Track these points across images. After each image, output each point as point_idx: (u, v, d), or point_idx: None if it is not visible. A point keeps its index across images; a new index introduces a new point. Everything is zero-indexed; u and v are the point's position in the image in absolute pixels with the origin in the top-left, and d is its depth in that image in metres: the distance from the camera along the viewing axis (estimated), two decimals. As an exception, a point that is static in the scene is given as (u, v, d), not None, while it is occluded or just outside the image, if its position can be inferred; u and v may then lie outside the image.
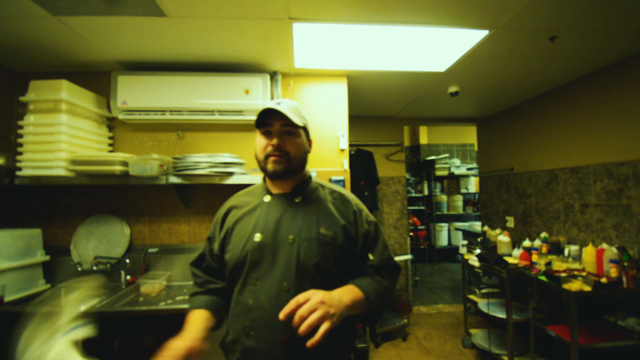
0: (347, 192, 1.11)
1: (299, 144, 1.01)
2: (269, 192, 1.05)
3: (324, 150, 2.45)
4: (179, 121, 2.21)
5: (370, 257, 1.02)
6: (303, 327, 0.74)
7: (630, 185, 2.20)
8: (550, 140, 2.93)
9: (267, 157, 0.98)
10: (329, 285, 0.89)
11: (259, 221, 0.98)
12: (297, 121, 0.97)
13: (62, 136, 1.83)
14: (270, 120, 0.98)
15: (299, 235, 0.95)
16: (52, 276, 2.08)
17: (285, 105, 0.98)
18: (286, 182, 1.03)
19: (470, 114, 3.90)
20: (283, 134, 0.98)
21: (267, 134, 0.99)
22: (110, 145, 2.25)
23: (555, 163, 2.87)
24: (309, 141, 1.09)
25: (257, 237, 0.95)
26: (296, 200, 1.02)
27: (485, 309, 2.67)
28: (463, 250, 3.12)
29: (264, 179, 1.09)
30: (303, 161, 1.03)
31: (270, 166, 0.98)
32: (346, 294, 0.88)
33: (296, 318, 0.75)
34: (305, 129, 1.04)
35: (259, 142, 1.01)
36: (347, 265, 0.99)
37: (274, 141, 0.97)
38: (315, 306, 0.77)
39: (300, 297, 0.78)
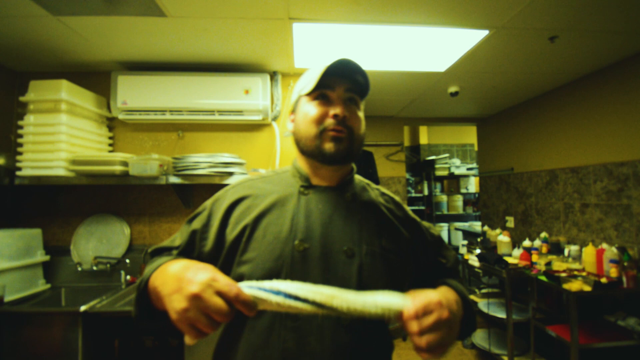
0: (395, 196, 0.90)
1: (361, 120, 0.77)
2: (306, 182, 0.77)
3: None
4: (179, 121, 2.21)
5: (443, 260, 0.84)
6: None
7: (630, 185, 2.20)
8: (550, 140, 2.93)
9: (323, 131, 0.71)
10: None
11: (298, 221, 0.70)
12: (368, 87, 0.75)
13: (62, 136, 1.83)
14: (329, 82, 0.73)
15: (358, 247, 0.70)
16: (52, 276, 2.08)
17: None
18: (335, 172, 0.77)
19: (470, 114, 3.90)
20: (345, 102, 0.74)
21: (323, 100, 0.73)
22: (110, 145, 2.25)
23: (555, 163, 2.87)
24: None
25: (299, 245, 0.67)
26: (347, 198, 0.76)
27: (485, 309, 2.67)
28: (463, 250, 3.12)
29: (294, 165, 0.82)
30: (363, 143, 0.78)
31: (328, 145, 0.71)
32: (451, 295, 0.67)
33: (423, 343, 0.53)
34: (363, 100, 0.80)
35: (310, 111, 0.73)
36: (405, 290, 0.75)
37: (339, 109, 0.70)
38: (435, 309, 0.55)
39: (420, 305, 0.55)
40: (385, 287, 0.66)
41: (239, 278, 0.67)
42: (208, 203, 0.79)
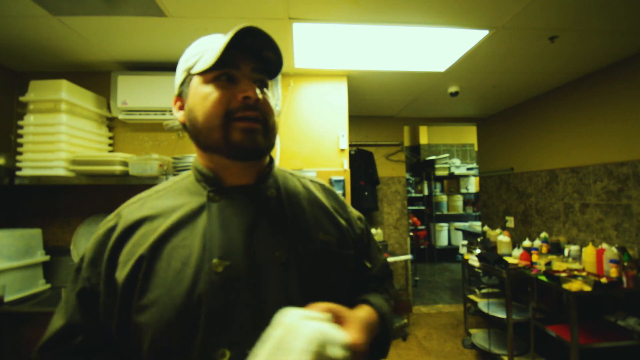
0: (324, 182, 0.77)
1: (272, 104, 0.62)
2: (215, 185, 0.61)
3: (324, 150, 2.45)
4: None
5: (367, 264, 0.72)
6: None
7: (630, 185, 2.20)
8: (550, 140, 2.93)
9: (231, 119, 0.55)
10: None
11: (211, 236, 0.55)
12: (281, 64, 0.61)
13: (62, 136, 1.83)
14: (233, 59, 0.57)
15: (292, 250, 0.58)
16: (52, 276, 2.08)
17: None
18: (250, 167, 0.62)
19: (470, 114, 3.90)
20: (254, 84, 0.58)
21: (227, 82, 0.57)
22: (110, 145, 2.25)
23: (555, 163, 2.87)
24: None
25: (218, 264, 0.52)
26: (270, 195, 0.62)
27: (485, 309, 2.67)
28: (463, 250, 3.12)
29: (194, 166, 0.65)
30: (275, 136, 0.63)
31: (238, 137, 0.55)
32: (367, 319, 0.58)
33: None
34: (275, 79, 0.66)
35: (212, 94, 0.56)
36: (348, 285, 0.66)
37: (251, 91, 0.55)
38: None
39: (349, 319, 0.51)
40: (333, 289, 0.60)
41: (140, 329, 0.51)
42: (88, 247, 0.59)
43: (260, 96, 0.57)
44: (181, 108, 0.63)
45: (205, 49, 0.58)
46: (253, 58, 0.59)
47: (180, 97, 0.63)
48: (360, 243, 0.72)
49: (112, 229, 0.58)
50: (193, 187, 0.62)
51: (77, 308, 0.56)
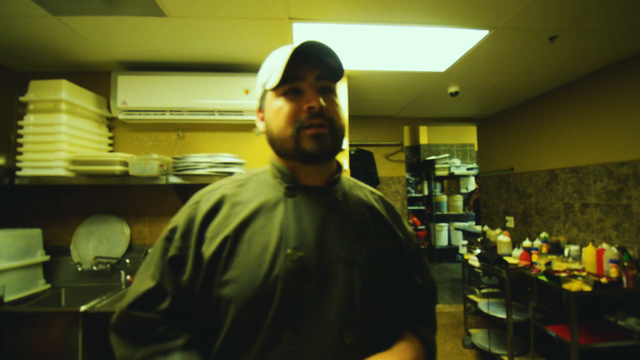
0: (382, 194, 0.82)
1: (341, 107, 0.67)
2: (292, 182, 0.67)
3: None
4: (179, 121, 2.21)
5: (418, 280, 0.74)
6: None
7: (630, 185, 2.20)
8: (550, 140, 2.93)
9: (300, 129, 0.61)
10: (389, 331, 0.65)
11: (288, 227, 0.60)
12: (342, 70, 0.65)
13: (62, 136, 1.83)
14: (297, 72, 0.62)
15: (357, 252, 0.62)
16: (52, 276, 2.08)
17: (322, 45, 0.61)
18: (321, 169, 0.67)
19: (470, 114, 3.90)
20: (319, 92, 0.63)
21: (294, 94, 0.63)
22: (110, 145, 2.25)
23: (555, 163, 2.87)
24: None
25: (292, 254, 0.58)
26: (337, 198, 0.67)
27: (485, 309, 2.67)
28: (463, 250, 3.12)
29: (273, 164, 0.72)
30: (344, 133, 0.67)
31: (309, 144, 0.61)
32: (410, 355, 0.61)
33: None
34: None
35: (281, 109, 0.63)
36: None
37: (314, 101, 0.61)
38: None
39: None
40: (389, 292, 0.64)
41: (220, 302, 0.57)
42: (180, 219, 0.65)
43: (323, 103, 0.62)
44: (262, 119, 0.70)
45: (275, 65, 0.64)
46: (317, 66, 0.63)
47: (261, 109, 0.71)
48: (413, 258, 0.75)
49: (199, 208, 0.65)
50: (270, 182, 0.69)
51: (167, 273, 0.60)
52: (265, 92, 0.68)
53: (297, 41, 0.61)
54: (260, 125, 0.71)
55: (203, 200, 0.66)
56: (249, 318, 0.56)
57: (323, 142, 0.61)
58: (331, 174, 0.70)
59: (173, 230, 0.64)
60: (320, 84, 0.64)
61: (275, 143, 0.66)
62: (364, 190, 0.77)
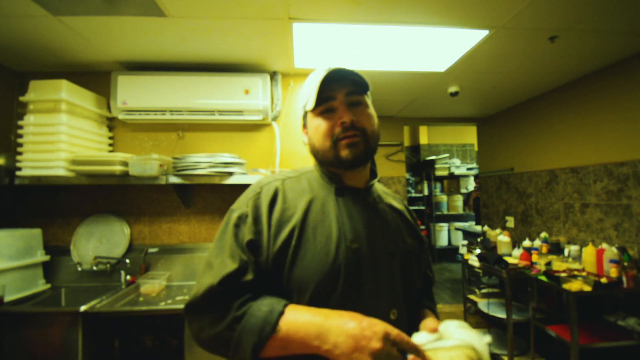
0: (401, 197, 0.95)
1: (372, 116, 0.77)
2: (340, 183, 0.77)
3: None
4: (179, 121, 2.21)
5: (430, 273, 0.88)
6: None
7: (630, 185, 2.20)
8: (550, 140, 2.93)
9: (337, 141, 0.72)
10: (415, 309, 0.79)
11: (344, 222, 0.71)
12: (367, 84, 0.75)
13: (62, 136, 1.83)
14: (329, 92, 0.73)
15: (396, 246, 0.74)
16: (52, 276, 2.08)
17: (345, 68, 0.74)
18: (361, 173, 0.78)
19: (470, 114, 3.90)
20: (350, 106, 0.74)
21: (328, 112, 0.74)
22: (110, 145, 2.25)
23: (555, 163, 2.87)
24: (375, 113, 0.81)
25: (351, 245, 0.68)
26: (375, 200, 0.80)
27: (485, 309, 2.67)
28: (463, 250, 3.12)
29: (319, 167, 0.82)
30: (378, 139, 0.78)
31: (344, 152, 0.72)
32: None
33: None
34: (368, 96, 0.80)
35: (320, 126, 0.74)
36: None
37: (345, 117, 0.71)
38: None
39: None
40: (418, 280, 0.78)
41: (292, 282, 0.66)
42: (247, 207, 0.72)
43: (353, 117, 0.72)
44: (306, 134, 0.82)
45: (310, 90, 0.75)
46: (345, 84, 0.74)
47: (305, 126, 0.82)
48: (426, 254, 0.87)
49: (261, 197, 0.73)
50: (320, 180, 0.79)
51: (246, 254, 0.67)
52: (305, 112, 0.79)
53: (322, 65, 0.75)
54: (305, 139, 0.83)
55: (263, 191, 0.74)
56: (319, 297, 0.65)
57: (357, 149, 0.72)
58: (369, 179, 0.82)
59: (242, 217, 0.71)
60: (350, 99, 0.74)
61: (317, 154, 0.77)
62: (390, 194, 0.89)
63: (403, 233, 0.79)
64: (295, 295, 0.66)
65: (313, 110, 0.75)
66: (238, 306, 0.62)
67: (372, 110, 0.78)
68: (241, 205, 0.73)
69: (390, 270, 0.71)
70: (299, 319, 0.59)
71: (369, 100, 0.79)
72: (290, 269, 0.66)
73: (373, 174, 0.84)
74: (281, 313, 0.60)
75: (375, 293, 0.68)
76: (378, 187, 0.86)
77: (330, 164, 0.76)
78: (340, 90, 0.74)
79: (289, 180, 0.78)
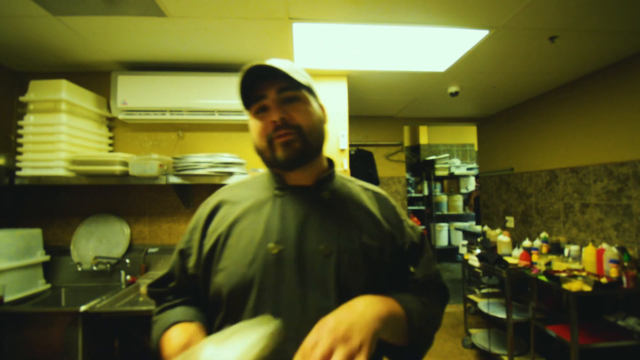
0: (381, 190, 0.84)
1: (309, 111, 0.71)
2: (281, 183, 0.74)
3: (324, 150, 2.45)
4: (179, 121, 2.21)
5: (412, 269, 0.75)
6: None
7: (630, 185, 2.20)
8: (550, 140, 2.93)
9: (270, 141, 0.68)
10: None
11: (272, 224, 0.68)
12: (300, 78, 0.68)
13: (62, 136, 1.83)
14: (260, 92, 0.69)
15: (336, 246, 0.66)
16: (52, 276, 2.08)
17: (275, 62, 0.67)
18: (307, 170, 0.74)
19: (470, 114, 3.90)
20: (283, 103, 0.69)
21: (262, 112, 0.70)
22: (110, 145, 2.25)
23: (555, 163, 2.87)
24: (322, 108, 0.77)
25: (273, 247, 0.65)
26: (324, 196, 0.73)
27: (485, 309, 2.67)
28: (463, 250, 3.12)
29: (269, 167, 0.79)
30: (321, 135, 0.74)
31: (280, 152, 0.68)
32: (376, 304, 0.58)
33: None
34: (310, 90, 0.73)
35: (255, 127, 0.71)
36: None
37: (274, 115, 0.67)
38: (328, 349, 0.48)
39: (306, 345, 0.49)
40: (365, 286, 0.65)
41: (212, 289, 0.68)
42: (192, 219, 0.79)
43: (284, 115, 0.67)
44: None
45: (238, 83, 0.70)
46: (276, 81, 0.68)
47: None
48: (408, 248, 0.75)
49: (205, 208, 0.77)
50: (265, 183, 0.78)
51: (176, 262, 0.76)
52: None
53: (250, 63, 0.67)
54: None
55: (210, 202, 0.78)
56: (235, 301, 0.65)
57: (291, 148, 0.68)
58: (320, 173, 0.76)
59: (188, 228, 0.78)
60: (284, 95, 0.69)
61: (259, 154, 0.74)
62: (356, 187, 0.81)
63: (354, 230, 0.70)
64: (215, 303, 0.68)
65: (249, 110, 0.73)
66: (157, 312, 0.75)
67: (313, 106, 0.72)
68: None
69: (322, 272, 0.64)
70: (168, 342, 0.65)
71: (310, 95, 0.73)
72: (214, 274, 0.68)
73: (330, 166, 0.79)
74: (166, 329, 0.67)
75: (302, 297, 0.62)
76: (339, 179, 0.79)
77: (271, 165, 0.74)
78: (271, 88, 0.69)
79: (237, 187, 0.80)
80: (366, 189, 0.82)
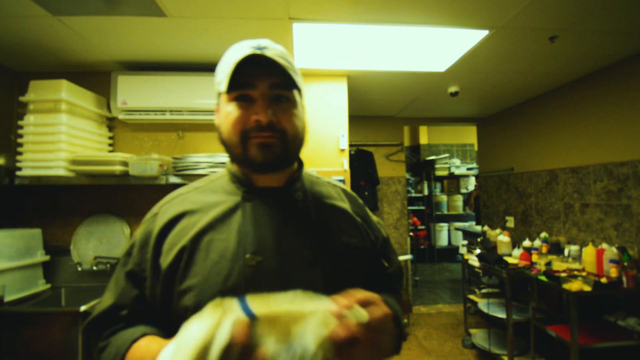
0: (344, 186, 0.81)
1: (297, 116, 0.65)
2: (248, 186, 0.66)
3: (324, 150, 2.45)
4: (179, 121, 2.21)
5: (385, 263, 0.74)
6: None
7: (630, 185, 2.20)
8: (550, 140, 2.93)
9: (247, 138, 0.61)
10: None
11: (245, 233, 0.60)
12: (295, 78, 0.62)
13: (62, 136, 1.83)
14: (249, 78, 0.61)
15: (317, 250, 0.62)
16: (52, 276, 2.08)
17: (273, 51, 0.61)
18: (279, 173, 0.67)
19: (470, 114, 3.90)
20: (272, 101, 0.62)
21: (244, 101, 0.61)
22: (110, 145, 2.24)
23: (555, 163, 2.87)
24: (304, 110, 0.71)
25: (251, 259, 0.58)
26: (297, 198, 0.67)
27: (485, 309, 2.67)
28: (463, 250, 3.12)
29: (228, 168, 0.71)
30: (302, 141, 0.67)
31: (254, 152, 0.60)
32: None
33: None
34: (300, 90, 0.67)
35: (230, 115, 0.61)
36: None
37: (262, 115, 0.59)
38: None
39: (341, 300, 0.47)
40: (354, 286, 0.58)
41: (182, 311, 0.56)
42: (137, 234, 0.66)
43: (273, 118, 0.60)
44: (218, 116, 0.68)
45: (227, 67, 0.61)
46: (271, 73, 0.61)
47: (218, 106, 0.68)
48: (378, 244, 0.75)
49: (156, 220, 0.65)
50: (228, 187, 0.68)
51: (125, 288, 0.62)
52: (219, 93, 0.66)
53: (248, 41, 0.61)
54: (217, 121, 0.69)
55: (160, 212, 0.66)
56: None
57: (271, 151, 0.60)
58: (291, 173, 0.69)
59: (132, 246, 0.65)
60: (275, 92, 0.62)
61: (225, 147, 0.65)
62: (325, 185, 0.76)
63: (334, 231, 0.66)
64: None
65: (227, 93, 0.62)
66: (106, 336, 0.60)
67: (299, 110, 0.65)
68: (136, 231, 0.67)
69: (308, 283, 0.57)
70: (136, 353, 0.55)
71: (298, 97, 0.66)
72: (179, 296, 0.57)
73: (299, 166, 0.72)
74: (134, 341, 0.56)
75: None
76: (307, 178, 0.73)
77: (238, 161, 0.65)
78: (263, 80, 0.61)
79: (194, 193, 0.68)
80: (334, 186, 0.78)
